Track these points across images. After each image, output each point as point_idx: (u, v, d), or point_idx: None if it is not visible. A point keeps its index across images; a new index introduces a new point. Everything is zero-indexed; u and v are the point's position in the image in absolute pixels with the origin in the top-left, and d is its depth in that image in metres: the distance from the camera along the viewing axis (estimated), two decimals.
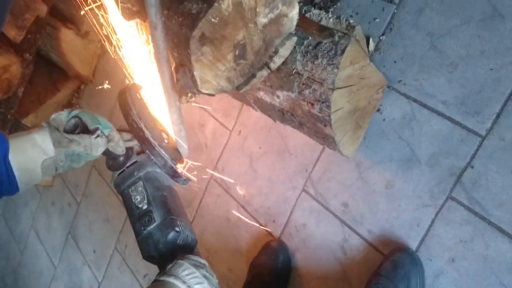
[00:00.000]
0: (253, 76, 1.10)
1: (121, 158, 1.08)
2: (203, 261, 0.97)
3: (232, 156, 1.92)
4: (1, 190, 0.89)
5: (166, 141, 1.12)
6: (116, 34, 1.26)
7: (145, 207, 1.04)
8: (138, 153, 1.12)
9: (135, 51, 1.22)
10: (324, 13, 1.18)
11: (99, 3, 1.28)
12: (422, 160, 1.34)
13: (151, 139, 1.04)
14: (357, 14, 1.49)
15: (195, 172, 1.20)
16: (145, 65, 1.21)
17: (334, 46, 1.10)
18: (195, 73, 0.97)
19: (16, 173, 0.88)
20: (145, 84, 1.18)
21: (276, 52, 1.09)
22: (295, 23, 1.07)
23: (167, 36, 0.98)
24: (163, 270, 0.92)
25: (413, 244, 1.34)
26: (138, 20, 1.21)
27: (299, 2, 1.05)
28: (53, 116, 0.94)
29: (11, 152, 0.87)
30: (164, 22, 0.96)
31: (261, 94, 1.34)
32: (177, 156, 1.13)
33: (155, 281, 0.89)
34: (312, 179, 1.61)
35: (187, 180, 1.12)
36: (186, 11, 0.95)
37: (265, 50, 1.07)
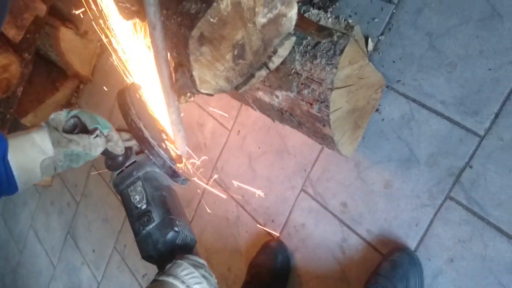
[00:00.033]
0: (252, 76, 1.10)
1: (120, 158, 1.08)
2: (202, 261, 0.97)
3: (231, 156, 1.92)
4: (0, 190, 0.89)
5: (165, 141, 1.12)
6: (115, 34, 1.26)
7: (144, 207, 1.04)
8: (137, 153, 1.11)
9: (134, 51, 1.23)
10: (323, 13, 1.18)
11: (99, 4, 1.28)
12: (421, 160, 1.34)
13: (150, 139, 1.04)
14: (356, 14, 1.49)
15: (202, 169, 1.20)
16: (144, 65, 1.21)
17: (333, 46, 1.11)
18: (194, 73, 0.98)
19: (15, 172, 0.88)
20: (144, 83, 1.19)
21: (275, 52, 1.09)
22: (294, 23, 1.07)
23: (166, 36, 0.98)
24: (162, 270, 0.92)
25: (412, 244, 1.34)
26: (137, 20, 1.21)
27: (298, 2, 1.05)
28: (52, 116, 0.94)
29: (10, 152, 0.87)
30: (163, 22, 0.96)
31: (260, 94, 1.34)
32: (176, 155, 1.13)
33: (154, 281, 0.90)
34: (311, 179, 1.62)
35: (186, 179, 1.12)
36: (185, 11, 0.95)
37: (264, 50, 1.08)
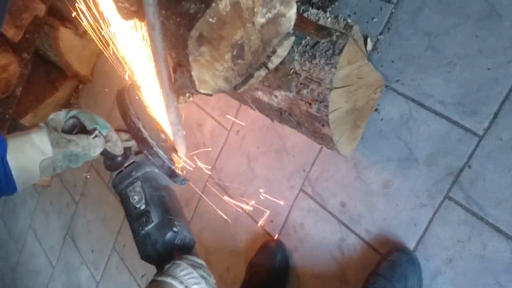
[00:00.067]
0: (251, 76, 1.10)
1: (119, 158, 1.08)
2: (200, 261, 0.97)
3: (231, 156, 1.92)
4: None
5: (164, 141, 1.12)
6: (114, 34, 1.26)
7: (143, 207, 1.04)
8: (136, 153, 1.12)
9: (133, 51, 1.22)
10: (322, 12, 1.18)
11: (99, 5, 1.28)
12: (419, 159, 1.34)
13: (149, 139, 1.04)
14: (355, 13, 1.49)
15: (201, 169, 1.20)
16: (143, 65, 1.21)
17: (332, 46, 1.11)
18: (193, 73, 0.97)
19: (14, 173, 0.88)
20: (143, 84, 1.18)
21: (274, 52, 1.09)
22: (293, 22, 1.07)
23: (165, 36, 0.97)
24: (161, 270, 0.92)
25: (410, 244, 1.34)
26: (136, 20, 1.21)
27: (297, 2, 1.05)
28: (51, 116, 0.95)
29: (9, 152, 0.87)
30: (162, 22, 0.96)
31: (259, 94, 1.34)
32: (174, 156, 1.13)
33: (153, 281, 0.90)
34: (310, 179, 1.62)
35: (185, 180, 1.12)
36: (184, 11, 0.95)
37: (263, 50, 1.07)
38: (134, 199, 1.05)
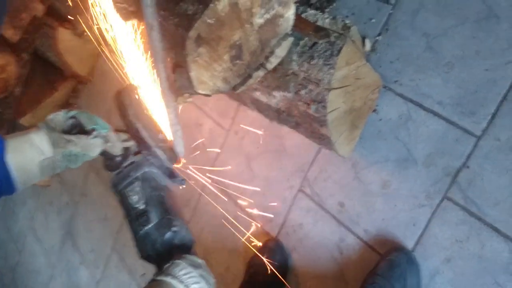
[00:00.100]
0: (250, 76, 1.10)
1: (118, 159, 1.08)
2: (200, 260, 0.97)
3: (230, 156, 1.93)
4: None
5: (163, 141, 1.13)
6: (112, 35, 1.26)
7: (142, 207, 1.04)
8: (135, 154, 1.12)
9: (132, 52, 1.23)
10: (320, 13, 1.18)
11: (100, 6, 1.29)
12: (418, 160, 1.34)
13: (148, 140, 1.05)
14: (353, 14, 1.49)
15: (201, 169, 1.20)
16: (142, 66, 1.21)
17: (330, 47, 1.11)
18: (191, 74, 0.98)
19: (13, 173, 0.88)
20: (142, 84, 1.19)
21: (272, 52, 1.10)
22: (291, 23, 1.07)
23: (163, 37, 0.98)
24: (160, 270, 0.92)
25: (409, 244, 1.35)
26: (134, 21, 1.21)
27: (295, 3, 1.05)
28: (50, 116, 0.95)
29: (9, 153, 0.87)
30: (160, 23, 0.96)
31: (257, 94, 1.34)
32: (174, 156, 1.14)
33: (153, 280, 0.90)
34: (308, 179, 1.62)
35: (184, 180, 1.13)
36: (182, 12, 0.96)
37: (261, 51, 1.08)
38: (133, 199, 1.06)
